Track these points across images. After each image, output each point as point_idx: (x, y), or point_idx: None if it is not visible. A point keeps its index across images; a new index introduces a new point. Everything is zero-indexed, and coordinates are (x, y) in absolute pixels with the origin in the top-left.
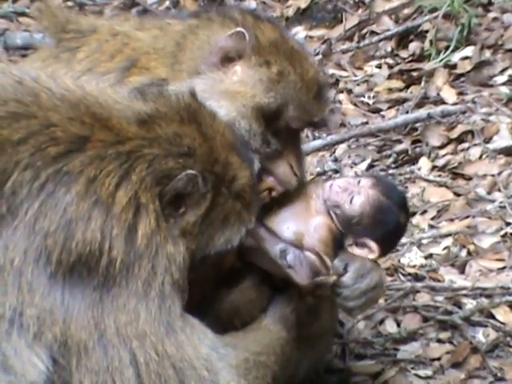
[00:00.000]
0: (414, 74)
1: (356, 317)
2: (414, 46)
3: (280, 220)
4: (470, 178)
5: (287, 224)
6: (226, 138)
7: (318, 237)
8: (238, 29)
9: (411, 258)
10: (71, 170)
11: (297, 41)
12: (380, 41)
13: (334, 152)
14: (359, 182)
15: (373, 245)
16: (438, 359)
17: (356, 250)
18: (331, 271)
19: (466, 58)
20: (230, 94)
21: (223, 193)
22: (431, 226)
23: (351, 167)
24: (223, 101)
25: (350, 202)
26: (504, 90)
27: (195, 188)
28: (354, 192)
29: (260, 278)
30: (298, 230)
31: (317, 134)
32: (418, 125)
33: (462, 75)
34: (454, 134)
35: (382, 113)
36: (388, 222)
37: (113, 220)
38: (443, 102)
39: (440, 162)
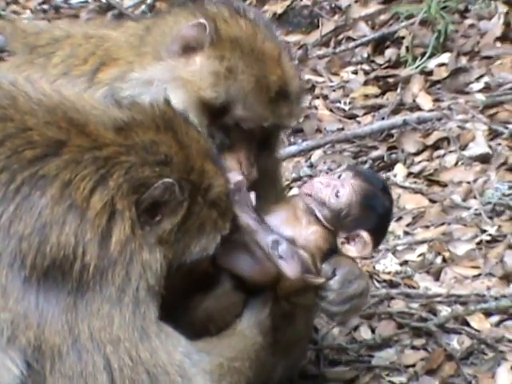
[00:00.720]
0: (390, 80)
1: (337, 322)
2: (390, 53)
3: (273, 221)
4: (445, 185)
5: (280, 230)
6: (201, 146)
7: (314, 239)
8: (201, 20)
9: (386, 264)
10: (46, 174)
11: (276, 45)
12: (356, 47)
13: (310, 158)
14: (339, 176)
15: (365, 235)
16: (413, 366)
17: (350, 248)
18: (321, 273)
19: (443, 64)
20: (181, 82)
21: (199, 201)
22: (406, 233)
23: (327, 173)
24: (174, 88)
25: (336, 195)
26: (480, 97)
27: (172, 196)
28: (338, 185)
29: (234, 284)
30: (291, 235)
31: (292, 140)
32: (393, 131)
33: (438, 82)
34: (430, 140)
35: (357, 119)
36: (376, 207)
37: (86, 225)
38: (419, 109)
39: (416, 169)
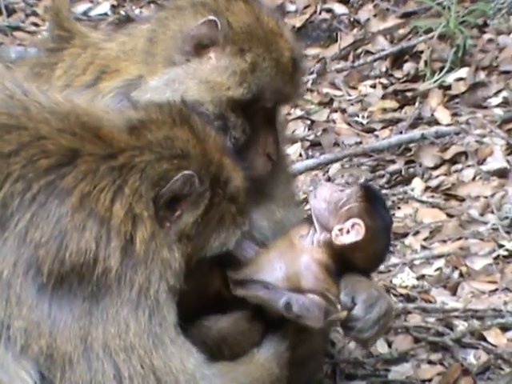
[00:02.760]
0: (409, 94)
1: (371, 346)
2: (408, 67)
3: (270, 262)
4: (462, 200)
5: (279, 264)
6: (217, 142)
7: (312, 275)
8: (210, 17)
9: (403, 278)
10: (64, 186)
11: (272, 16)
12: (375, 60)
13: (328, 171)
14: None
15: (359, 221)
16: (429, 381)
17: (343, 238)
18: (339, 307)
19: (461, 79)
20: (206, 84)
21: (219, 193)
22: (423, 247)
23: None
24: (200, 92)
25: (340, 190)
26: (498, 111)
27: (192, 188)
28: (343, 187)
29: (253, 311)
30: (290, 270)
31: (310, 153)
32: (411, 145)
33: (456, 96)
34: (448, 155)
35: (375, 133)
36: (376, 204)
37: (111, 232)
38: (437, 123)
39: (433, 183)
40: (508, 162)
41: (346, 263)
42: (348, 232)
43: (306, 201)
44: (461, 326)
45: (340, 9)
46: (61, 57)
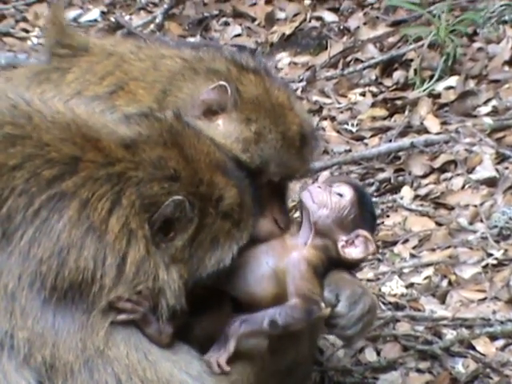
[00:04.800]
0: (398, 102)
1: (355, 345)
2: (398, 75)
3: (258, 255)
4: (452, 208)
5: (266, 259)
6: (210, 158)
7: (300, 274)
8: (221, 82)
9: (392, 286)
10: (64, 192)
11: (283, 90)
12: (364, 69)
13: (317, 179)
14: (330, 185)
15: (366, 233)
16: None
17: (351, 250)
18: (323, 305)
19: (450, 87)
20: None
21: (211, 213)
22: (412, 256)
23: None
24: None
25: (338, 194)
26: (487, 120)
27: (182, 213)
28: (335, 189)
29: (231, 304)
30: (277, 266)
31: None
32: (401, 153)
33: (445, 105)
34: (437, 163)
35: (365, 141)
36: (368, 204)
37: (106, 249)
38: (427, 132)
39: (422, 192)
40: (497, 170)
41: (334, 264)
42: (353, 243)
43: (294, 208)
44: (449, 334)
45: (330, 17)
46: (76, 62)
